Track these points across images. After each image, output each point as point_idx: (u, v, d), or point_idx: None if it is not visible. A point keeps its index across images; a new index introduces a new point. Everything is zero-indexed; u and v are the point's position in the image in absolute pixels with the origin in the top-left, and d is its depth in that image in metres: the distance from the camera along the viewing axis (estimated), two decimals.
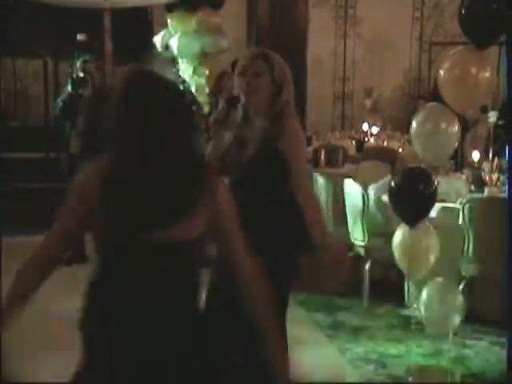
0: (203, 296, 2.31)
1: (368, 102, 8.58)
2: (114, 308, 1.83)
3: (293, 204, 2.57)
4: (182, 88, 5.80)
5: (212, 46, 5.85)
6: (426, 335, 4.04)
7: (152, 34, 7.47)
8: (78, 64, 5.99)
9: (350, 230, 5.07)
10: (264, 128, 2.64)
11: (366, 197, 4.83)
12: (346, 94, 9.92)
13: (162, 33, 6.46)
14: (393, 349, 4.21)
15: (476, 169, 5.00)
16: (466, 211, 4.43)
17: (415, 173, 3.85)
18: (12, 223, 5.54)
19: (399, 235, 3.78)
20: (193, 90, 5.83)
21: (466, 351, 4.18)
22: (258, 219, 2.49)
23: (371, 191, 5.00)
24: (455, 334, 3.95)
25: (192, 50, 5.79)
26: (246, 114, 2.71)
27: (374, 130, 7.49)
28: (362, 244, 4.92)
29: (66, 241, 1.92)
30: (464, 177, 4.94)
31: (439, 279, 4.10)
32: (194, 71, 5.82)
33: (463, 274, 4.42)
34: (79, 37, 7.88)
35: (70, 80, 6.13)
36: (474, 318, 4.29)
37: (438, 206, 3.97)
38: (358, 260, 5.21)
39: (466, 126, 5.44)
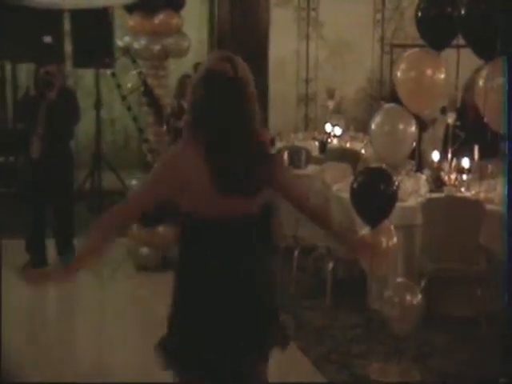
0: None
1: (331, 104, 8.59)
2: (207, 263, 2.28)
3: None
4: (143, 89, 5.78)
5: (173, 48, 5.81)
6: (387, 334, 4.08)
7: (113, 35, 7.40)
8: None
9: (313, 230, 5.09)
10: None
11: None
12: (310, 95, 9.95)
13: (122, 34, 6.40)
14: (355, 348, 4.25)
15: (436, 169, 5.07)
16: (425, 211, 4.49)
17: (376, 173, 3.89)
18: None
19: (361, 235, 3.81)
20: (155, 92, 5.78)
21: (426, 349, 4.24)
22: None
23: (334, 192, 5.04)
24: (416, 332, 4.00)
25: (153, 52, 5.74)
26: None
27: (337, 131, 7.51)
28: (325, 244, 4.95)
29: (148, 205, 2.24)
30: (424, 177, 5.00)
31: (399, 278, 4.16)
32: (155, 73, 5.78)
33: (423, 272, 4.48)
34: (45, 39, 7.75)
35: (33, 82, 6.00)
36: (434, 316, 4.35)
37: (398, 205, 4.01)
38: (321, 260, 5.26)
39: (423, 126, 5.51)
